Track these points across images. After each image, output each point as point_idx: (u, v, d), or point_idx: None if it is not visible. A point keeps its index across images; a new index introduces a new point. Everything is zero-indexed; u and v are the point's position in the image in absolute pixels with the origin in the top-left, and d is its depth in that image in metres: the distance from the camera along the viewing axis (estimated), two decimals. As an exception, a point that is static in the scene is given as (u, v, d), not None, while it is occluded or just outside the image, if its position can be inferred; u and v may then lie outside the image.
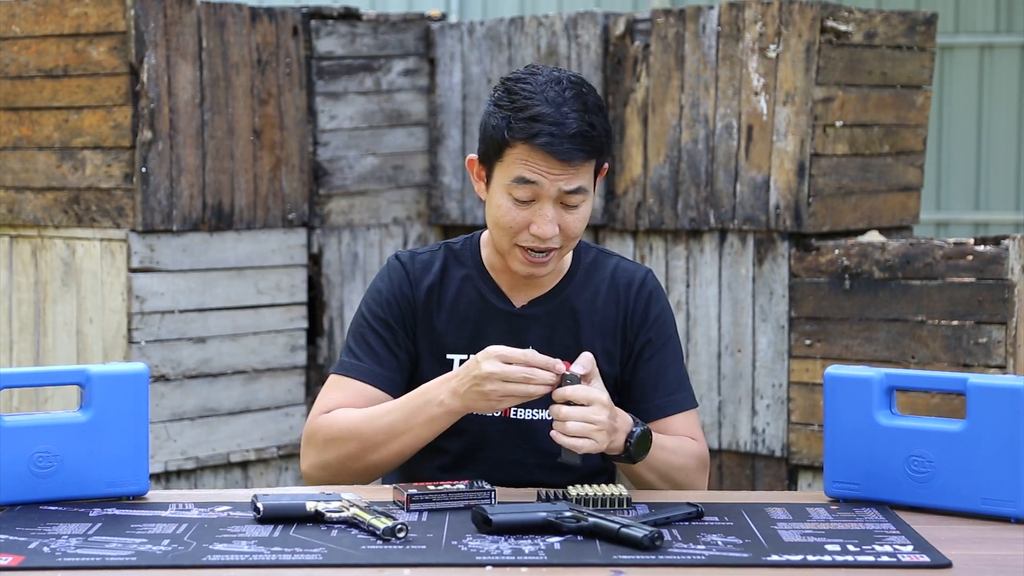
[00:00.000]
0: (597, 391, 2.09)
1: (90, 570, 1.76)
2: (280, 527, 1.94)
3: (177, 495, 2.18)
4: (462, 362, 2.28)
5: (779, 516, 2.03)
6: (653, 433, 2.19)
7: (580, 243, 2.38)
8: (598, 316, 2.33)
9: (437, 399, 2.15)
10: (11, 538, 1.89)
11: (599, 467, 2.39)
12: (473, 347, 2.27)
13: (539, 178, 2.18)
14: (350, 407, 2.25)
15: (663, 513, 1.98)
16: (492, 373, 2.06)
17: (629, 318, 2.34)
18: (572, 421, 2.06)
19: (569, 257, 2.36)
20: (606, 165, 2.29)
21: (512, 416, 2.29)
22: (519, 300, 2.33)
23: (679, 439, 2.30)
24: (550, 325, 2.30)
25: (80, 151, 4.09)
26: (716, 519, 2.01)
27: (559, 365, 2.07)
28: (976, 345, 3.70)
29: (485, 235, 2.37)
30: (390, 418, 2.19)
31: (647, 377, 2.32)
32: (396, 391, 2.30)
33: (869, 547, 1.86)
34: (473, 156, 2.30)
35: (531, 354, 2.07)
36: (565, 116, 2.16)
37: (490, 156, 2.23)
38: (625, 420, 2.14)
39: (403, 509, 2.04)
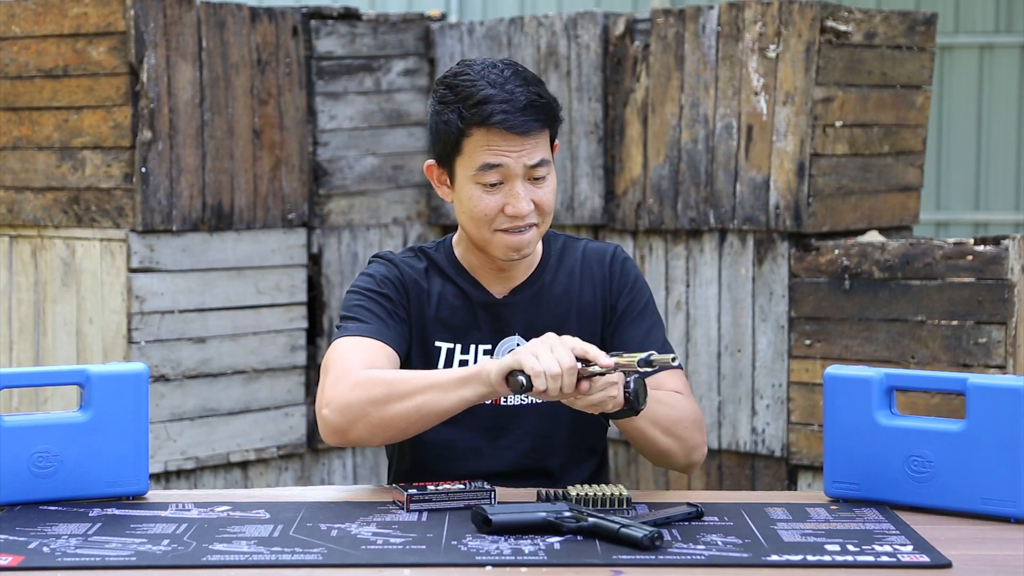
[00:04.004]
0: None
1: (90, 570, 1.77)
2: (280, 527, 1.94)
3: (177, 495, 2.19)
4: (449, 350, 2.32)
5: (779, 516, 2.03)
6: (648, 387, 2.21)
7: (548, 232, 2.41)
8: (576, 296, 2.37)
9: (477, 365, 2.12)
10: (11, 538, 1.89)
11: (596, 465, 2.41)
12: (460, 338, 2.34)
13: (503, 159, 2.23)
14: (371, 367, 2.22)
15: (663, 513, 1.98)
16: (563, 355, 2.05)
17: (606, 290, 2.39)
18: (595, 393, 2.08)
19: (540, 247, 2.41)
20: (557, 142, 2.35)
21: (503, 403, 2.31)
22: (499, 291, 2.37)
23: (670, 393, 2.33)
24: (532, 312, 2.35)
25: (80, 151, 4.10)
26: (716, 519, 2.01)
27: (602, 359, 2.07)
28: (976, 345, 3.70)
29: (455, 237, 2.41)
30: (420, 373, 2.17)
31: (631, 341, 2.36)
32: (402, 353, 2.30)
33: (869, 547, 1.86)
34: (430, 162, 2.34)
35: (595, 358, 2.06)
36: (512, 92, 2.22)
37: (448, 153, 2.28)
38: (617, 378, 2.15)
39: (403, 509, 2.04)
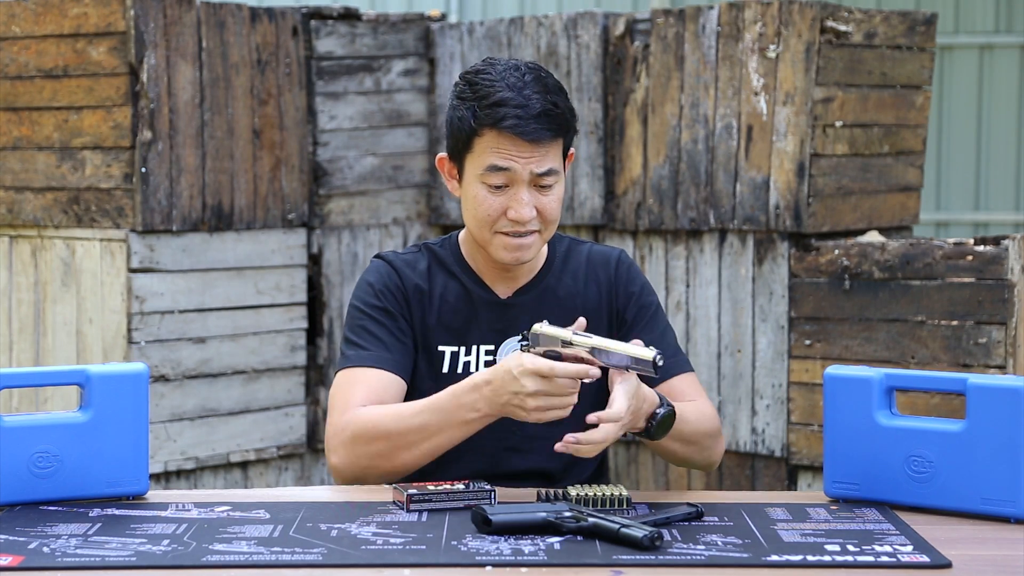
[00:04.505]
0: (619, 407, 2.06)
1: (90, 570, 1.77)
2: (280, 527, 1.94)
3: (177, 495, 2.19)
4: (453, 354, 2.32)
5: (779, 516, 2.03)
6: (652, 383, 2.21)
7: (553, 234, 2.42)
8: (580, 299, 2.38)
9: (473, 406, 2.15)
10: (11, 538, 1.89)
11: (596, 466, 2.41)
12: (463, 339, 2.34)
13: (511, 163, 2.24)
14: (372, 401, 2.25)
15: (663, 513, 1.98)
16: (536, 391, 2.06)
17: (612, 296, 2.40)
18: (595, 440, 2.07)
19: (545, 248, 2.42)
20: (572, 150, 2.35)
21: None
22: (503, 292, 2.38)
23: (696, 406, 2.33)
24: (535, 312, 2.35)
25: (80, 151, 4.10)
26: (716, 519, 2.01)
27: (593, 370, 2.07)
28: (976, 345, 3.70)
29: (462, 234, 2.42)
30: (421, 419, 2.19)
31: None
32: (407, 375, 2.32)
33: (869, 547, 1.86)
34: (443, 155, 2.35)
35: (562, 367, 2.06)
36: (528, 98, 2.22)
37: (459, 150, 2.29)
38: (651, 402, 2.14)
39: (403, 509, 2.04)
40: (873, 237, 4.06)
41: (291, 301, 4.39)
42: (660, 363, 2.00)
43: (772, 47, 4.02)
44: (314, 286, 4.50)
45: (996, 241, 3.73)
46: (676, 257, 4.25)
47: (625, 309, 2.39)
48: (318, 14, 4.51)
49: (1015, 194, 8.40)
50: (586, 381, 2.06)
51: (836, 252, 3.94)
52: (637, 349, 2.02)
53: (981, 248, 3.72)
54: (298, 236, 4.42)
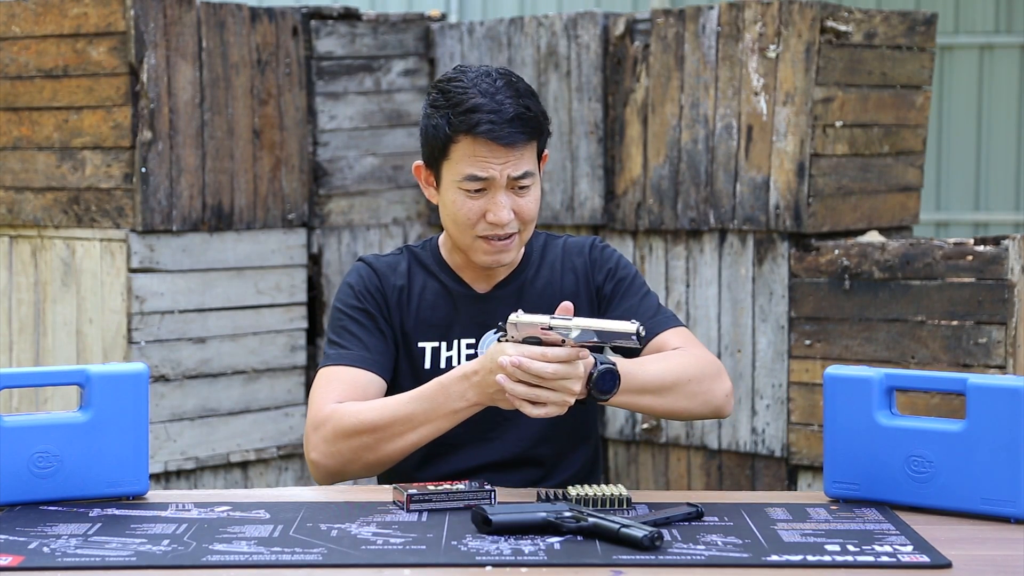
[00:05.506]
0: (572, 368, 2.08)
1: (90, 570, 1.77)
2: (280, 527, 1.94)
3: (177, 495, 2.19)
4: (434, 350, 2.34)
5: (779, 516, 2.03)
6: (638, 355, 2.20)
7: None
8: (558, 288, 2.41)
9: (463, 395, 2.17)
10: (11, 538, 1.89)
11: (589, 455, 2.42)
12: (444, 335, 2.38)
13: (488, 171, 2.27)
14: (351, 398, 2.27)
15: (663, 513, 1.98)
16: (524, 379, 2.07)
17: (589, 279, 2.42)
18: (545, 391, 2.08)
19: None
20: (546, 152, 2.39)
21: None
22: (482, 288, 2.42)
23: (664, 353, 2.31)
24: (515, 305, 2.38)
25: (80, 151, 4.10)
26: (716, 519, 2.01)
27: (583, 350, 2.07)
28: (976, 345, 3.70)
29: (442, 237, 2.46)
30: (408, 410, 2.21)
31: (626, 312, 2.38)
32: (387, 374, 2.35)
33: (869, 547, 1.86)
34: (419, 163, 2.39)
35: (553, 351, 2.06)
36: (501, 103, 2.26)
37: (436, 157, 2.33)
38: (587, 364, 2.12)
39: (403, 509, 2.04)
40: (873, 237, 4.06)
41: (291, 301, 4.39)
42: (643, 333, 1.99)
43: (772, 47, 4.02)
44: (314, 286, 4.50)
45: (996, 241, 3.73)
46: (676, 257, 4.25)
47: (603, 286, 2.42)
48: (318, 14, 4.51)
49: (1015, 194, 8.40)
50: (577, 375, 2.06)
51: (836, 252, 3.94)
52: (618, 324, 2.01)
53: (981, 248, 3.72)
54: (298, 236, 4.42)
